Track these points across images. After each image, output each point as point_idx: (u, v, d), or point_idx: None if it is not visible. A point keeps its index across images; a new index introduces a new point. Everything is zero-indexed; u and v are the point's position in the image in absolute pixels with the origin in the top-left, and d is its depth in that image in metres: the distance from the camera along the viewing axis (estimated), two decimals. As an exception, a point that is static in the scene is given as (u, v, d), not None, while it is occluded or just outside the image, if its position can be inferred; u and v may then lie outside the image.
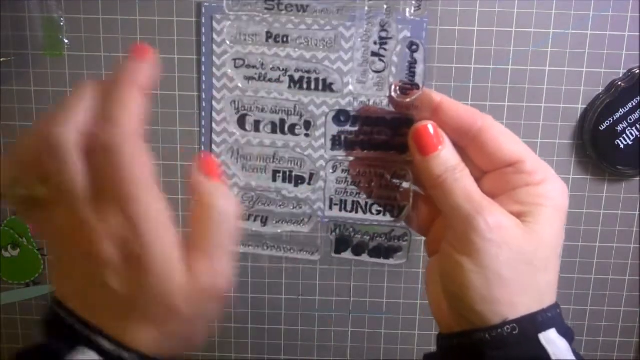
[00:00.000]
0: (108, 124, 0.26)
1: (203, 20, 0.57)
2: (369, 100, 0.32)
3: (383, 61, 0.31)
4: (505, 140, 0.31)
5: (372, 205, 0.34)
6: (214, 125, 0.60)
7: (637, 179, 0.61)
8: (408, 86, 0.31)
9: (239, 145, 0.33)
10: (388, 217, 0.34)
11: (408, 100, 0.31)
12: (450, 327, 0.31)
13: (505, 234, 0.29)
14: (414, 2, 0.31)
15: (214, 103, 0.59)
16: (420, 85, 0.31)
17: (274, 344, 0.66)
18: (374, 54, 0.31)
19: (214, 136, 0.59)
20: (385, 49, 0.31)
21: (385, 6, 0.31)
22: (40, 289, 0.65)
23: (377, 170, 0.33)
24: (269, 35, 0.32)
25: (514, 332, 0.28)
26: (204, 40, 0.58)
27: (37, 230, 0.29)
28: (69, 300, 0.28)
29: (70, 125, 0.26)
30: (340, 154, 0.33)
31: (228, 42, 0.31)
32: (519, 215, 0.30)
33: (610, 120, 0.58)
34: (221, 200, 0.28)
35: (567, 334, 0.29)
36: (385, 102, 0.32)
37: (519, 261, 0.29)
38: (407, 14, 0.31)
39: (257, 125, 0.33)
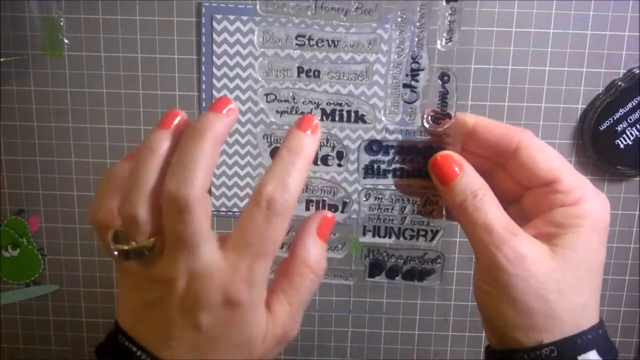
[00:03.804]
0: (286, 190, 0.28)
1: (203, 20, 0.57)
2: (401, 132, 0.32)
3: (414, 92, 0.32)
4: (541, 158, 0.30)
5: (405, 230, 0.34)
6: (214, 125, 0.60)
7: (637, 179, 0.61)
8: (440, 115, 0.31)
9: None
10: (421, 242, 0.34)
11: (440, 129, 0.31)
12: (494, 343, 0.32)
13: (529, 266, 0.28)
14: (445, 35, 0.32)
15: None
16: (452, 115, 0.31)
17: (274, 344, 0.66)
18: (405, 86, 0.32)
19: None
20: (416, 80, 0.32)
21: (416, 39, 0.31)
22: (40, 289, 0.65)
23: (410, 197, 0.34)
24: (300, 70, 0.32)
25: (553, 355, 0.28)
26: (204, 40, 0.58)
27: (119, 272, 0.30)
28: (140, 337, 0.29)
29: (205, 179, 0.28)
30: (373, 182, 0.33)
31: (260, 78, 0.32)
32: (551, 238, 0.29)
33: (610, 120, 0.58)
34: (317, 263, 0.31)
35: (609, 352, 0.29)
36: (418, 131, 0.32)
37: (547, 290, 0.28)
38: (439, 46, 0.31)
39: None
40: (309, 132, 0.29)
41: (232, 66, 0.58)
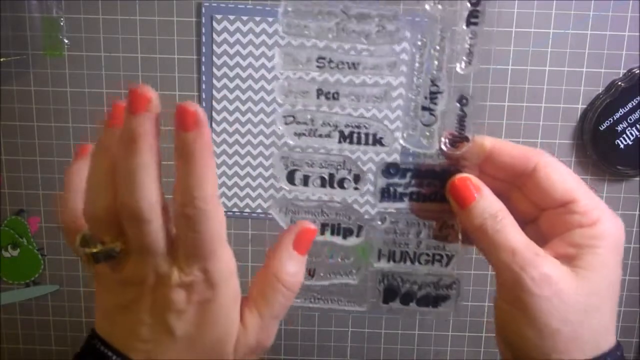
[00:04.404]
0: (196, 201, 0.28)
1: (203, 20, 0.57)
2: (418, 155, 0.32)
3: (433, 115, 0.32)
4: (558, 179, 0.30)
5: (420, 255, 0.34)
6: (213, 125, 0.60)
7: (637, 179, 0.61)
8: (457, 139, 0.31)
9: (287, 200, 0.34)
10: (437, 267, 0.34)
11: (458, 152, 0.31)
12: None
13: (553, 287, 0.28)
14: (464, 58, 0.32)
15: (214, 103, 0.59)
16: (470, 138, 0.31)
17: (274, 344, 0.65)
18: (424, 108, 0.32)
19: (213, 136, 0.59)
20: (435, 103, 0.32)
21: (436, 62, 0.31)
22: (40, 289, 0.65)
23: (426, 221, 0.34)
24: (319, 92, 0.32)
25: None
26: (204, 40, 0.58)
27: (95, 276, 0.31)
28: (115, 341, 0.29)
29: (152, 187, 0.27)
30: (389, 205, 0.33)
31: (279, 100, 0.32)
32: (571, 259, 0.29)
33: (610, 120, 0.58)
34: (290, 277, 0.31)
35: None
36: (435, 154, 0.32)
37: (571, 311, 0.28)
38: (458, 69, 0.31)
39: (305, 180, 0.33)
40: (192, 130, 0.28)
41: (232, 66, 0.58)
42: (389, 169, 0.33)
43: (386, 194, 0.33)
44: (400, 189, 0.33)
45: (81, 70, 0.59)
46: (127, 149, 0.27)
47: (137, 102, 0.27)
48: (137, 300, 0.29)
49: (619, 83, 0.58)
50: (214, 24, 0.57)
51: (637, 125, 0.59)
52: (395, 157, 0.33)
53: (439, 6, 0.31)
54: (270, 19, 0.57)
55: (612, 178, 0.61)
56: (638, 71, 0.57)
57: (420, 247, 0.34)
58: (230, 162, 0.61)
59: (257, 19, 0.57)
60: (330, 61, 0.32)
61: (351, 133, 0.33)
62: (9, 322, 0.66)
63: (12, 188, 0.63)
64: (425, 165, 0.32)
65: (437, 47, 0.32)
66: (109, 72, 0.59)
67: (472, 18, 0.31)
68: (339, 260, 0.35)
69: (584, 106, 0.59)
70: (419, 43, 0.32)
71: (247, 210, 0.61)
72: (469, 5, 0.31)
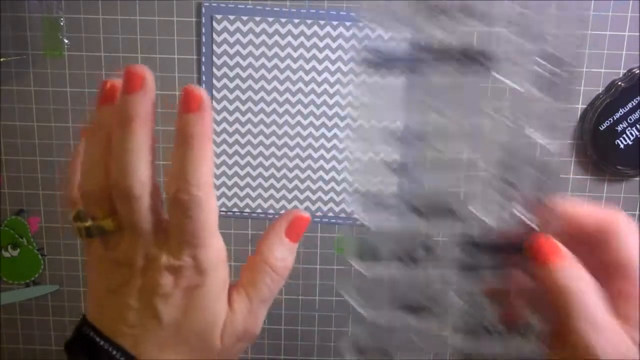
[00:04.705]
0: (189, 186, 0.28)
1: (203, 20, 0.57)
2: (495, 225, 0.32)
3: (510, 184, 0.31)
4: (629, 245, 0.30)
5: (500, 328, 0.34)
6: (213, 125, 0.60)
7: (637, 179, 0.61)
8: (534, 204, 0.31)
9: (361, 280, 0.33)
10: (517, 340, 0.34)
11: (534, 218, 0.31)
12: None
13: (622, 356, 0.28)
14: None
15: (213, 103, 0.59)
16: (547, 203, 0.31)
17: (274, 344, 0.66)
18: (502, 178, 0.31)
19: (213, 136, 0.59)
20: (513, 171, 0.31)
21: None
22: (40, 289, 0.65)
23: (501, 295, 0.33)
24: (388, 165, 0.32)
25: None
26: (204, 40, 0.58)
27: (88, 258, 0.31)
28: (104, 327, 0.30)
29: (144, 167, 0.28)
30: (463, 278, 0.33)
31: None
32: (630, 330, 0.29)
33: (610, 120, 0.58)
34: (279, 262, 0.31)
35: None
36: (512, 223, 0.32)
37: None
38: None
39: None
40: (194, 112, 0.28)
41: (232, 66, 0.58)
42: (466, 242, 0.32)
43: (460, 268, 0.32)
44: (475, 262, 0.32)
45: (81, 70, 0.59)
46: (122, 128, 0.27)
47: (132, 81, 0.28)
48: (126, 283, 0.29)
49: (619, 83, 0.58)
50: (214, 24, 0.57)
51: (637, 125, 0.59)
52: (469, 229, 0.32)
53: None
54: (270, 19, 0.57)
55: (612, 178, 0.61)
56: (638, 71, 0.57)
57: (494, 322, 0.33)
58: (230, 162, 0.61)
59: (257, 19, 0.57)
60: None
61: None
62: (9, 322, 0.66)
63: (12, 188, 0.63)
64: (502, 234, 0.31)
65: (513, 116, 0.31)
66: (109, 72, 0.59)
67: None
68: (415, 338, 0.34)
69: (584, 106, 0.59)
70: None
71: (247, 210, 0.61)
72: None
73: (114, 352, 0.29)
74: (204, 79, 0.59)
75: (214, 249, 0.29)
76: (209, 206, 0.28)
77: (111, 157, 0.28)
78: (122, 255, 0.29)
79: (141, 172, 0.28)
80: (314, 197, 0.60)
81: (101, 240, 0.30)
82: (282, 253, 0.31)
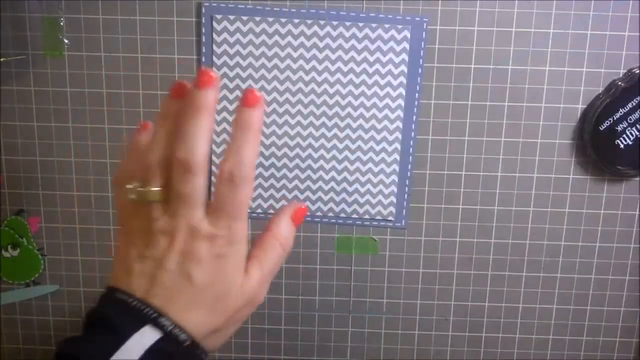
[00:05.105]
0: (242, 165, 0.35)
1: (203, 20, 0.57)
2: None
3: None
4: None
5: None
6: (214, 125, 0.60)
7: (637, 179, 0.61)
8: None
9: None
10: None
11: None
12: None
13: None
14: None
15: (214, 103, 0.59)
16: None
17: (274, 344, 0.66)
18: None
19: (213, 136, 0.59)
20: None
21: None
22: (40, 289, 0.65)
23: None
24: None
25: None
26: (204, 40, 0.58)
27: (123, 229, 0.37)
28: (135, 289, 0.34)
29: (205, 147, 0.35)
30: None
31: None
32: None
33: (610, 120, 0.58)
34: (286, 239, 0.38)
35: None
36: None
37: None
38: None
39: None
40: (254, 107, 0.36)
41: (232, 66, 0.58)
42: None
43: None
44: None
45: (81, 70, 0.59)
46: (192, 113, 0.34)
47: (205, 78, 0.35)
48: (166, 248, 0.34)
49: (619, 83, 0.58)
50: (214, 24, 0.57)
51: (637, 125, 0.59)
52: None
53: None
54: (270, 19, 0.57)
55: (612, 178, 0.61)
56: (638, 71, 0.57)
57: None
58: (230, 162, 0.60)
59: (257, 19, 0.57)
60: None
61: None
62: (9, 322, 0.66)
63: (12, 188, 0.63)
64: None
65: None
66: (109, 72, 0.59)
67: None
68: None
69: (584, 106, 0.59)
70: None
71: (248, 210, 0.61)
72: None
73: (146, 310, 0.33)
74: (204, 79, 0.59)
75: (245, 224, 0.36)
76: (251, 185, 0.35)
77: (178, 136, 0.34)
78: (166, 225, 0.34)
79: (203, 150, 0.34)
80: (314, 197, 0.60)
81: (145, 211, 0.35)
82: (289, 232, 0.38)
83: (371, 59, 0.57)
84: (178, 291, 0.34)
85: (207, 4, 0.57)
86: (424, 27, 0.57)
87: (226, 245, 0.35)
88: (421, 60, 0.58)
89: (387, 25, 0.57)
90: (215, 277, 0.35)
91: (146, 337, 0.32)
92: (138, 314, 0.33)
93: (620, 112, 0.58)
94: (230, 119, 0.59)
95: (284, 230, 0.38)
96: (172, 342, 0.32)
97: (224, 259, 0.35)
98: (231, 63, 0.58)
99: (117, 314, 0.33)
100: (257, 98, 0.35)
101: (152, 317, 0.33)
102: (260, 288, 0.37)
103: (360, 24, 0.57)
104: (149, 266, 0.34)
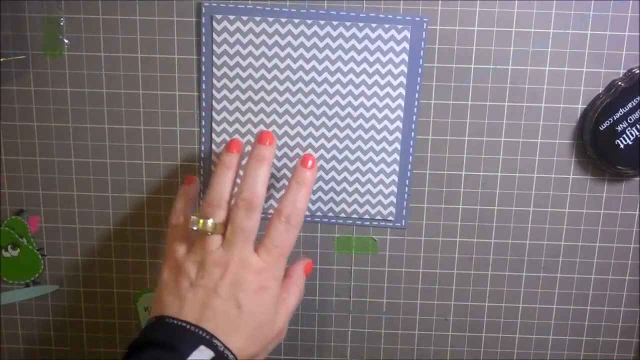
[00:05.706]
0: (298, 211, 0.45)
1: (203, 20, 0.57)
2: None
3: None
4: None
5: None
6: (213, 125, 0.60)
7: (637, 179, 0.61)
8: None
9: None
10: None
11: None
12: None
13: None
14: None
15: (213, 103, 0.59)
16: None
17: (274, 344, 0.65)
18: None
19: (213, 136, 0.59)
20: None
21: None
22: (40, 289, 0.65)
23: None
24: None
25: None
26: (204, 40, 0.58)
27: (173, 262, 0.45)
28: (186, 315, 0.39)
29: (264, 190, 0.44)
30: None
31: None
32: None
33: (610, 120, 0.58)
34: (301, 285, 0.49)
35: None
36: None
37: None
38: None
39: None
40: (311, 169, 0.47)
41: (232, 66, 0.58)
42: None
43: None
44: None
45: (81, 70, 0.59)
46: (256, 163, 0.46)
47: (266, 138, 0.48)
48: (219, 278, 0.40)
49: (619, 83, 0.58)
50: (214, 24, 0.57)
51: (637, 125, 0.59)
52: None
53: None
54: (270, 19, 0.57)
55: (612, 178, 0.61)
56: (638, 71, 0.57)
57: None
58: (230, 162, 0.60)
59: (257, 19, 0.57)
60: None
61: None
62: (9, 322, 0.66)
63: (12, 188, 0.63)
64: None
65: None
66: (109, 72, 0.60)
67: None
68: None
69: (584, 106, 0.59)
70: None
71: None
72: None
73: (201, 332, 0.37)
74: (204, 79, 0.59)
75: (285, 262, 0.43)
76: (298, 232, 0.46)
77: (243, 180, 0.44)
78: (221, 256, 0.41)
79: (262, 193, 0.43)
80: (314, 197, 0.60)
81: (201, 244, 0.42)
82: (303, 279, 0.50)
83: (371, 59, 0.57)
84: (227, 317, 0.38)
85: (207, 4, 0.57)
86: (424, 27, 0.57)
87: (271, 280, 0.40)
88: (421, 60, 0.58)
89: (387, 25, 0.57)
90: (258, 307, 0.40)
91: (203, 355, 0.36)
92: (194, 336, 0.37)
93: (620, 112, 0.58)
94: (230, 119, 0.59)
95: (301, 277, 0.48)
96: None
97: (267, 291, 0.40)
98: (231, 63, 0.58)
99: (175, 336, 0.37)
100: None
101: (206, 338, 0.37)
102: (285, 324, 0.43)
103: (360, 24, 0.57)
104: (201, 294, 0.39)
